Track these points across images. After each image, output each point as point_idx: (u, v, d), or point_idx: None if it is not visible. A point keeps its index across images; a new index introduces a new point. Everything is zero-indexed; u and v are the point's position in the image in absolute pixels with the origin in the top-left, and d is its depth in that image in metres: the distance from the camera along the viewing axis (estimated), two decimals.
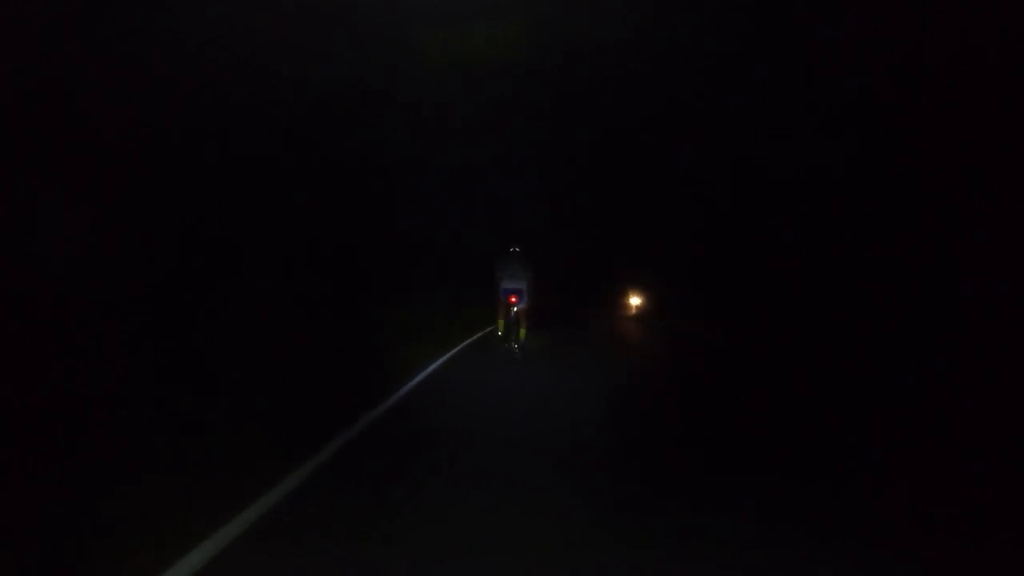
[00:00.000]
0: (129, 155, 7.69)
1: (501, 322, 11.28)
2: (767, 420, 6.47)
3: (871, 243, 12.59)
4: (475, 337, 14.25)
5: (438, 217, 24.01)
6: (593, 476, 4.54)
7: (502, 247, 11.68)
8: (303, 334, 10.09)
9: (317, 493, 4.00)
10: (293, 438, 5.15)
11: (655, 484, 4.41)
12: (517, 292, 11.11)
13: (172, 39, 8.09)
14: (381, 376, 8.18)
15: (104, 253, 7.10)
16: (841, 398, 7.62)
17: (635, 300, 27.87)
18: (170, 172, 8.44)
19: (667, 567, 3.11)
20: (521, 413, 6.71)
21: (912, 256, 11.37)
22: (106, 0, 7.50)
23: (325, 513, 3.70)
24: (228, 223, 9.87)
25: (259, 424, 5.58)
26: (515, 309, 11.15)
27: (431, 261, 23.44)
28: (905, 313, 10.93)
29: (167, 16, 8.03)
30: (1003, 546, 3.39)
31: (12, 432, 4.68)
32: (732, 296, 18.39)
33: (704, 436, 5.88)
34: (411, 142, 19.54)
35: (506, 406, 7.12)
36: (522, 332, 11.20)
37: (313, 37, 11.41)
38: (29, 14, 6.58)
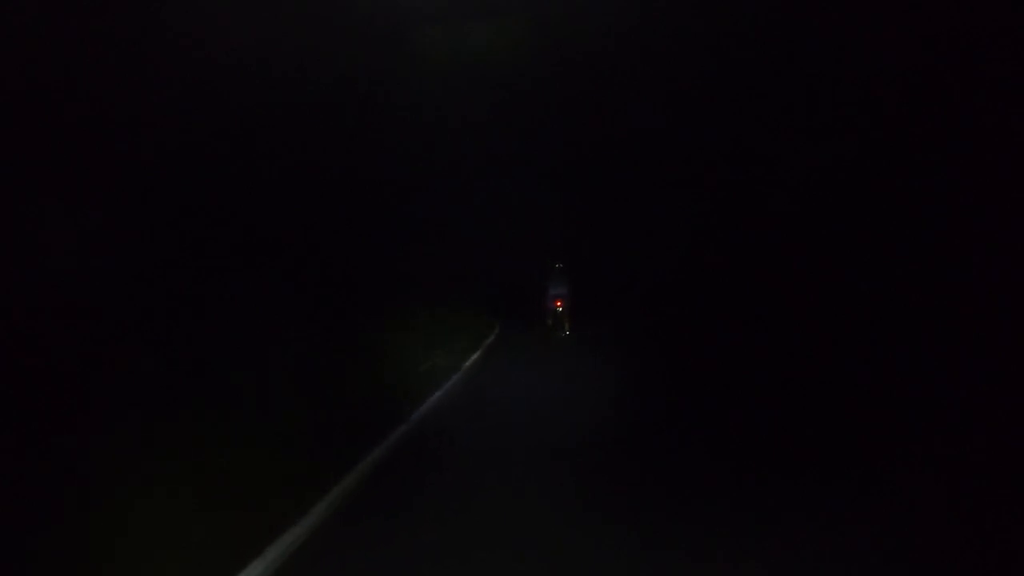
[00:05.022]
0: (128, 155, 7.69)
1: (551, 318, 15.59)
2: (768, 418, 6.46)
3: (872, 243, 12.55)
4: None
5: (440, 218, 24.00)
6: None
7: (546, 263, 16.32)
8: (304, 338, 10.08)
9: None
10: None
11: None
12: (562, 296, 15.58)
13: (172, 39, 8.10)
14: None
15: (102, 253, 7.09)
16: (840, 395, 7.59)
17: None
18: (170, 172, 8.43)
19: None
20: None
21: (912, 256, 11.34)
22: (106, 0, 7.51)
23: None
24: (228, 223, 9.87)
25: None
26: (560, 309, 15.51)
27: (434, 263, 23.42)
28: (904, 313, 10.90)
29: (167, 16, 8.03)
30: (1002, 541, 3.38)
31: (12, 433, 4.68)
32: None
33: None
34: (412, 143, 19.54)
35: None
36: (567, 325, 15.53)
37: (316, 39, 11.42)
38: (29, 14, 6.59)
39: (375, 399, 7.32)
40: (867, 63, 11.53)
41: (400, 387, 8.08)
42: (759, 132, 15.84)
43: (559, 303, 15.50)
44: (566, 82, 18.14)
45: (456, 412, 7.37)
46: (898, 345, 9.73)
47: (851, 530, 3.51)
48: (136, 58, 7.69)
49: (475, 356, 12.18)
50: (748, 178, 16.62)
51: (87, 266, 6.81)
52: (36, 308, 6.32)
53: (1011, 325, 8.37)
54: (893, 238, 11.79)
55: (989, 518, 3.68)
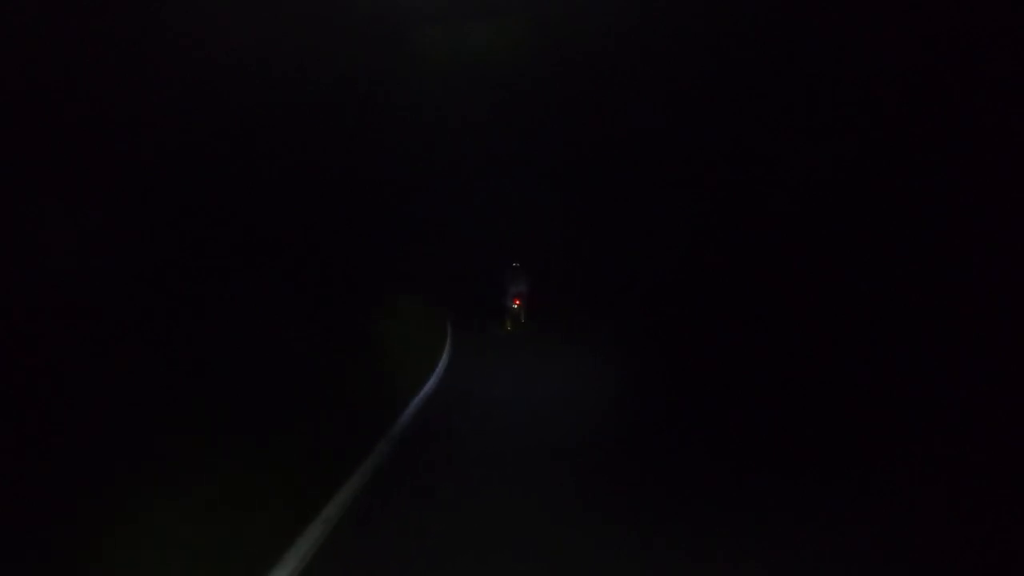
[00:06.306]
0: (128, 155, 7.69)
1: (509, 312, 17.18)
2: (768, 418, 6.46)
3: (872, 243, 12.55)
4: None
5: (440, 218, 24.00)
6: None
7: (506, 263, 18.30)
8: (302, 336, 10.09)
9: None
10: None
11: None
12: (520, 295, 17.15)
13: (172, 39, 8.10)
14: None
15: (102, 253, 7.09)
16: (840, 395, 7.59)
17: None
18: (170, 172, 8.44)
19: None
20: None
21: (912, 256, 11.34)
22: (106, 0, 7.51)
23: None
24: (228, 223, 9.87)
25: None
26: (518, 306, 16.60)
27: (431, 262, 23.44)
28: (904, 313, 10.90)
29: (167, 16, 8.03)
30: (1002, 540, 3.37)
31: (12, 433, 4.67)
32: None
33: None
34: (412, 143, 19.55)
35: None
36: (522, 318, 17.04)
37: (316, 39, 11.42)
38: (29, 14, 6.59)
39: (374, 398, 7.33)
40: (867, 63, 11.53)
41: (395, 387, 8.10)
42: (759, 132, 15.85)
43: (517, 301, 18.72)
44: (566, 82, 18.10)
45: (454, 408, 7.38)
46: (898, 345, 9.73)
47: (851, 530, 3.52)
48: (136, 58, 7.69)
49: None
50: (748, 178, 16.63)
51: (87, 266, 6.81)
52: (36, 308, 6.32)
53: (1011, 325, 8.36)
54: (893, 238, 11.79)
55: (989, 518, 3.68)
